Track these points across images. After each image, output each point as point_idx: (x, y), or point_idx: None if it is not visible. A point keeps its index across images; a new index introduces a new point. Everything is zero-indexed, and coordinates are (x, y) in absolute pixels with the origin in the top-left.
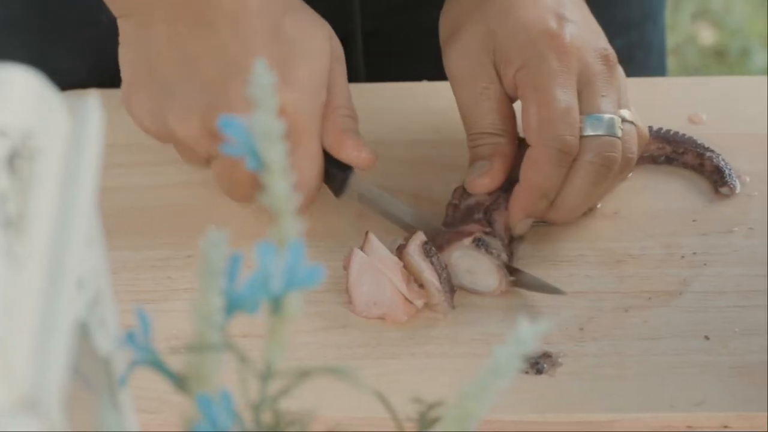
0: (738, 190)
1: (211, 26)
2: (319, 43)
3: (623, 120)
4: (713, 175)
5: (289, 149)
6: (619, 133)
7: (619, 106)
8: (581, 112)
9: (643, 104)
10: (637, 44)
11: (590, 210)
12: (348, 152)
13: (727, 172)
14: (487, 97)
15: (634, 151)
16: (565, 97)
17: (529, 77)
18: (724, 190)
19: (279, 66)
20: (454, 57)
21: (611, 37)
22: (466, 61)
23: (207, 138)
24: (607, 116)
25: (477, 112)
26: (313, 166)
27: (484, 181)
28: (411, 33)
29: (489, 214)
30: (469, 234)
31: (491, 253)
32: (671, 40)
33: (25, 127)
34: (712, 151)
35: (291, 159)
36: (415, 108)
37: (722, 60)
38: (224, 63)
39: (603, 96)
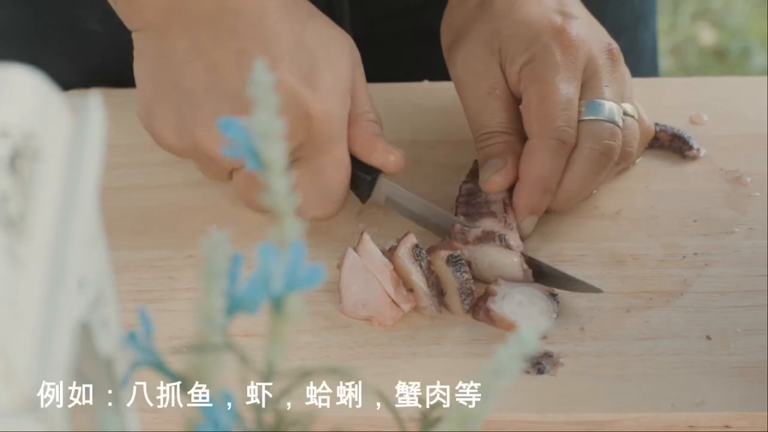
0: (702, 153)
1: (233, 33)
2: (340, 49)
3: (624, 113)
4: (674, 144)
5: (317, 157)
6: (621, 123)
7: (622, 100)
8: (583, 98)
9: (643, 104)
10: (628, 48)
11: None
12: (378, 156)
13: (686, 137)
14: (495, 97)
15: (634, 145)
16: (567, 90)
17: (534, 70)
18: (690, 153)
19: (303, 72)
20: (459, 61)
21: None
22: (471, 63)
23: None
24: (608, 103)
25: (485, 113)
26: (342, 172)
27: (499, 179)
28: (399, 41)
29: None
30: (453, 248)
31: (457, 275)
32: (671, 40)
33: (27, 127)
34: (658, 123)
35: (320, 167)
36: (414, 108)
37: (722, 60)
38: (249, 70)
39: (606, 86)
